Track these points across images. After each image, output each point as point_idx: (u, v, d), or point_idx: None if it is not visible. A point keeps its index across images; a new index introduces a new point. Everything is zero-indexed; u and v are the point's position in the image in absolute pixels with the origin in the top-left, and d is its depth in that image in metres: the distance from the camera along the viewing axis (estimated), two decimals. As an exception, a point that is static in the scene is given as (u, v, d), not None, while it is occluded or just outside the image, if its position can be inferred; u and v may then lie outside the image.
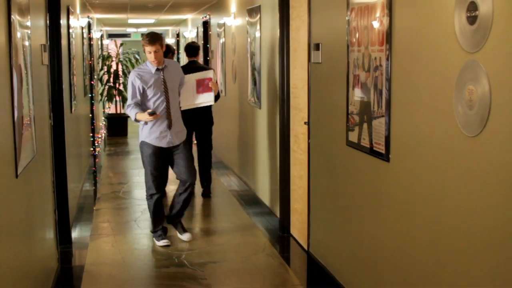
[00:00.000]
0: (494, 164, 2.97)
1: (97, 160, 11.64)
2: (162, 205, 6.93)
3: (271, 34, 7.35)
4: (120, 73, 16.61)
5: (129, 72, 16.49)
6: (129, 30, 26.19)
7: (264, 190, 8.09)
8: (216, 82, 7.04)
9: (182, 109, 6.87)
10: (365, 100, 4.51)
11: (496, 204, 2.97)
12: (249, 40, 8.68)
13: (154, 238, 6.88)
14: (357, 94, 4.67)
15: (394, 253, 4.15)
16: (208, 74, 7.19)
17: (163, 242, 6.76)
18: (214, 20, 12.46)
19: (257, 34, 8.10)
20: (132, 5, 13.65)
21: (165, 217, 6.98)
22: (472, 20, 3.13)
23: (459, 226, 3.31)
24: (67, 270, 6.03)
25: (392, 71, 4.08)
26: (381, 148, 4.26)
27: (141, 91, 6.54)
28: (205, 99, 7.12)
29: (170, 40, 25.63)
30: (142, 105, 6.55)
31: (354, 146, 4.75)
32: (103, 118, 17.01)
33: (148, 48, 6.48)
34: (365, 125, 4.53)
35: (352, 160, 4.85)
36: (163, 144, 6.58)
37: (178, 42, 21.61)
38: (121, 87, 16.47)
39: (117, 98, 16.37)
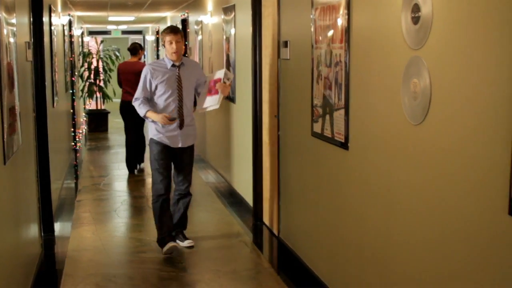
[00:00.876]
0: (435, 148, 3.34)
1: (78, 154, 11.94)
2: (169, 209, 6.46)
3: (245, 32, 7.70)
4: (101, 69, 16.88)
5: (109, 69, 16.85)
6: (110, 27, 26.44)
7: (239, 181, 8.45)
8: (226, 82, 6.11)
9: (194, 112, 6.49)
10: (327, 93, 4.87)
11: (437, 183, 3.34)
12: (224, 37, 9.03)
13: (159, 246, 6.43)
14: (320, 88, 5.03)
15: (354, 236, 4.51)
16: (217, 74, 6.28)
17: (168, 246, 6.30)
18: (192, 18, 12.80)
19: (232, 32, 8.45)
20: (112, 3, 13.95)
21: (172, 224, 6.51)
22: (416, 20, 3.50)
23: (408, 206, 3.68)
24: (50, 256, 6.37)
25: (350, 66, 4.44)
26: (341, 138, 4.63)
27: (152, 86, 6.22)
28: (210, 102, 6.20)
29: (150, 37, 25.91)
30: (151, 101, 6.28)
31: (318, 136, 5.12)
32: (84, 114, 17.29)
33: (169, 38, 6.18)
34: (327, 117, 4.89)
35: (317, 150, 5.21)
36: (172, 143, 6.27)
37: (157, 39, 21.90)
38: (102, 84, 16.76)
39: (98, 95, 16.65)
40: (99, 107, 16.94)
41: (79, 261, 6.18)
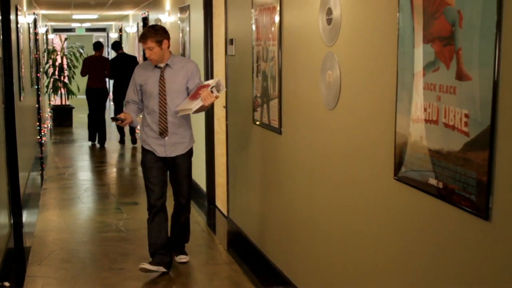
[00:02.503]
0: (344, 128, 4.02)
1: (43, 148, 12.48)
2: (160, 223, 5.83)
3: (198, 30, 8.33)
4: (65, 66, 17.38)
5: (73, 66, 17.39)
6: (74, 25, 26.85)
7: (194, 168, 9.07)
8: (213, 92, 5.41)
9: (178, 114, 5.61)
10: (265, 85, 5.53)
11: (347, 156, 4.02)
12: (181, 35, 9.66)
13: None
14: (259, 81, 5.69)
15: (289, 210, 5.18)
16: (209, 81, 5.73)
17: (149, 266, 5.70)
18: (152, 16, 13.41)
19: (187, 30, 9.09)
20: (75, 2, 14.51)
21: (162, 241, 5.85)
22: (329, 21, 4.17)
23: (327, 177, 4.36)
24: (18, 235, 6.98)
25: (282, 61, 5.11)
26: (276, 124, 5.29)
27: (140, 88, 5.73)
28: (185, 105, 5.52)
29: (113, 35, 26.39)
30: (140, 104, 5.82)
31: (258, 123, 5.77)
32: (49, 109, 17.79)
33: (142, 45, 5.68)
34: (265, 106, 5.55)
35: (257, 136, 5.87)
36: (158, 152, 5.70)
37: (121, 37, 22.44)
38: (66, 80, 17.26)
39: (62, 91, 17.14)
40: (63, 103, 17.43)
41: (45, 240, 6.78)
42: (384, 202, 3.54)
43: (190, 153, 5.88)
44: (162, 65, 5.64)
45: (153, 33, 5.55)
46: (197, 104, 5.35)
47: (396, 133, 3.34)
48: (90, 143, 13.63)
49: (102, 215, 7.82)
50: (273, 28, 5.27)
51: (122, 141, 13.50)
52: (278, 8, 5.12)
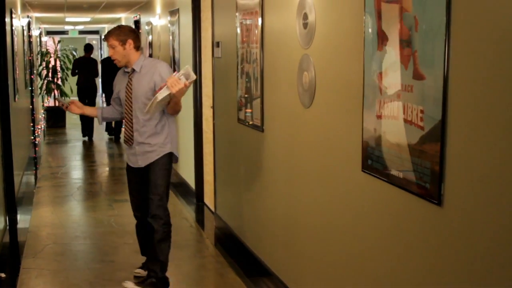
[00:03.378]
0: (319, 126, 4.30)
1: (37, 148, 12.74)
2: (142, 232, 5.70)
3: (187, 33, 8.61)
4: (58, 68, 17.64)
5: (67, 68, 17.64)
6: (67, 27, 27.10)
7: (183, 167, 9.38)
8: (181, 80, 4.93)
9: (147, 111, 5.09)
10: (248, 86, 5.82)
11: (320, 151, 4.31)
12: (171, 38, 9.95)
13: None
14: (243, 81, 5.97)
15: (271, 205, 5.46)
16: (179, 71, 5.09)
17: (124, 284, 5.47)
18: (144, 20, 13.69)
19: (177, 33, 9.38)
20: (68, 5, 14.77)
21: (143, 249, 5.77)
22: (305, 25, 4.46)
23: (304, 171, 4.64)
24: (13, 230, 7.25)
25: (264, 63, 5.40)
26: (258, 122, 5.58)
27: (117, 94, 5.49)
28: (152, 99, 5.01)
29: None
30: (119, 107, 5.56)
31: (242, 122, 6.06)
32: (42, 110, 18.04)
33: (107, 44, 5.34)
34: (249, 105, 5.84)
35: (241, 134, 6.15)
36: (131, 162, 5.48)
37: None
38: (59, 82, 17.53)
39: (56, 92, 17.39)
40: (57, 104, 17.68)
41: (39, 235, 7.06)
42: (353, 192, 3.83)
43: (164, 160, 5.34)
44: (129, 69, 5.31)
45: (116, 30, 5.28)
46: (163, 92, 4.91)
47: (363, 128, 3.63)
48: (83, 139, 14.85)
49: (94, 212, 8.10)
50: (256, 31, 5.55)
51: (111, 136, 14.94)
52: (259, 13, 5.41)
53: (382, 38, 3.39)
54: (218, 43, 6.91)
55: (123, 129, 5.50)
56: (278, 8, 5.04)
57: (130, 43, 5.24)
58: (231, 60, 6.39)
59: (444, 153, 2.88)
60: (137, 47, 5.32)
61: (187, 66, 5.07)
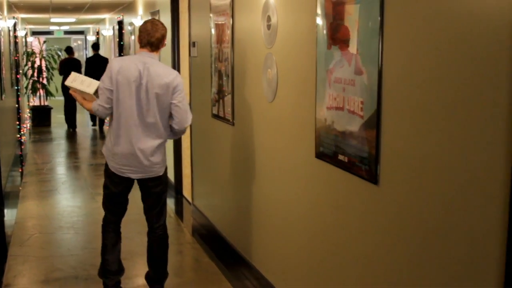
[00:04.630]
0: (281, 118, 4.72)
1: (23, 146, 13.11)
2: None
3: (167, 34, 9.00)
4: (44, 68, 18.00)
5: (52, 68, 17.99)
6: (52, 28, 27.41)
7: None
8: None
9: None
10: (221, 83, 6.23)
11: (281, 139, 4.73)
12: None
13: None
14: (216, 79, 6.39)
15: (241, 194, 5.88)
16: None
17: None
18: (127, 20, 14.09)
19: (157, 34, 9.77)
20: (53, 7, 15.14)
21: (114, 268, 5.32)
22: (269, 26, 4.87)
23: (269, 159, 5.06)
24: (1, 222, 7.60)
25: (234, 61, 5.81)
26: (229, 116, 5.99)
27: None
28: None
29: (91, 38, 26.99)
30: None
31: (216, 117, 6.47)
32: (28, 110, 18.39)
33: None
34: (221, 101, 6.25)
35: (214, 128, 6.57)
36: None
37: (98, 40, 23.07)
38: (45, 81, 17.89)
39: (41, 92, 17.75)
40: (42, 104, 18.03)
41: (26, 226, 7.45)
42: (308, 177, 4.26)
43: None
44: None
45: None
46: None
47: (316, 119, 4.05)
48: (69, 130, 16.55)
49: (78, 204, 8.50)
50: (227, 32, 5.96)
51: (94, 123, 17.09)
52: (230, 14, 5.82)
53: (330, 38, 3.81)
54: (194, 43, 7.32)
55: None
56: (246, 10, 5.45)
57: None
58: (206, 59, 6.80)
59: (380, 138, 3.31)
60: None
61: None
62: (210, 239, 6.74)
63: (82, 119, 17.48)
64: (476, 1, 2.56)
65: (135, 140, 5.00)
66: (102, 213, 7.84)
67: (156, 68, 5.02)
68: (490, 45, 2.47)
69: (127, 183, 5.15)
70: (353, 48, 3.53)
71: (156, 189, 5.21)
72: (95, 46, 16.93)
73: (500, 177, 2.44)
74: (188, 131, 8.12)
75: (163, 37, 5.15)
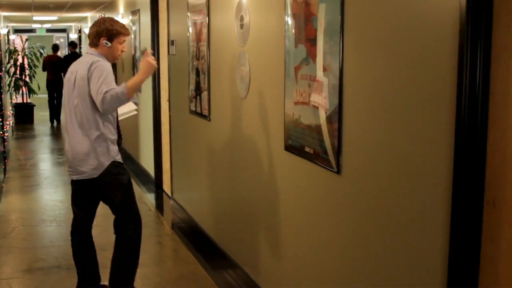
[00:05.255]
0: (253, 112, 4.97)
1: (6, 143, 13.27)
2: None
3: (147, 32, 9.23)
4: (26, 66, 18.16)
5: (34, 65, 18.14)
6: (35, 26, 27.50)
7: (144, 158, 10.02)
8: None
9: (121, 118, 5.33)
10: (198, 80, 6.47)
11: (252, 132, 4.97)
12: (132, 36, 10.56)
13: None
14: (194, 76, 6.62)
15: (216, 186, 6.12)
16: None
17: None
18: (108, 19, 14.27)
19: (138, 32, 10.00)
20: (35, 5, 15.30)
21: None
22: (242, 26, 5.12)
23: (242, 150, 5.30)
24: (-15, 215, 7.85)
25: (210, 59, 6.05)
26: (206, 112, 6.23)
27: None
28: (125, 108, 5.28)
29: (73, 35, 27.12)
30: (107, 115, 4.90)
31: (193, 113, 6.71)
32: (11, 107, 18.53)
33: (126, 38, 5.08)
34: (198, 97, 6.49)
35: (192, 124, 6.80)
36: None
37: (80, 37, 23.22)
38: (27, 79, 18.05)
39: (24, 89, 17.91)
40: (25, 101, 18.19)
41: (9, 219, 7.66)
42: (278, 169, 4.51)
43: None
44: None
45: None
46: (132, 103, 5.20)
47: (285, 114, 4.30)
48: (51, 124, 17.55)
49: (60, 198, 8.70)
50: (204, 31, 6.20)
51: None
52: (206, 13, 6.06)
53: (297, 37, 4.06)
54: (173, 42, 7.55)
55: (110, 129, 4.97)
56: (221, 10, 5.69)
57: None
58: (184, 57, 7.03)
59: (341, 130, 3.56)
60: None
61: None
62: (189, 231, 6.97)
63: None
64: (422, 5, 2.81)
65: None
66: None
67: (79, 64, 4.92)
68: (434, 44, 2.73)
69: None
70: (317, 46, 3.78)
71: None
72: (73, 44, 18.16)
73: (444, 163, 2.71)
74: (167, 127, 8.35)
75: (97, 33, 4.93)
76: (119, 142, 5.09)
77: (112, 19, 5.02)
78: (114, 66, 9.76)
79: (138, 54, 10.06)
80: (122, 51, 5.02)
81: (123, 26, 5.01)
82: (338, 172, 3.62)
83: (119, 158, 4.97)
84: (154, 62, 5.00)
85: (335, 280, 3.74)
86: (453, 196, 2.66)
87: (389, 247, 3.14)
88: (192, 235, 6.79)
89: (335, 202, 3.69)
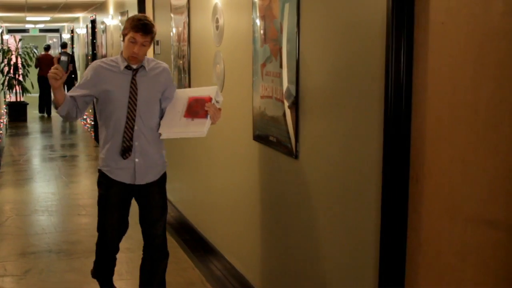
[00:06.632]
0: (228, 106, 5.41)
1: (0, 140, 13.72)
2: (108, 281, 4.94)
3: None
4: (20, 65, 18.58)
5: (28, 65, 18.56)
6: (28, 26, 27.86)
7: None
8: (218, 108, 4.42)
9: (161, 137, 4.49)
10: (180, 78, 6.92)
11: (228, 124, 5.42)
12: (121, 37, 10.99)
13: None
14: (176, 74, 7.07)
15: (198, 180, 6.57)
16: (207, 91, 4.50)
17: None
18: (99, 19, 14.72)
19: (126, 32, 10.44)
20: (28, 6, 15.72)
21: None
22: (217, 27, 5.57)
23: (217, 143, 5.76)
24: (-20, 206, 8.30)
25: (191, 58, 6.50)
26: (187, 107, 6.67)
27: (96, 90, 4.40)
28: (194, 128, 4.36)
29: (66, 36, 27.52)
30: (100, 116, 4.48)
31: (176, 108, 7.15)
32: (4, 105, 18.94)
33: (134, 36, 4.30)
34: (180, 94, 6.93)
35: (176, 118, 7.24)
36: (122, 177, 4.45)
37: (72, 38, 23.65)
38: (21, 78, 18.47)
39: (17, 88, 18.33)
40: (18, 99, 18.62)
41: (3, 209, 8.10)
42: (247, 157, 4.96)
43: (165, 176, 4.70)
44: (135, 66, 4.43)
45: (153, 26, 4.43)
46: (207, 125, 4.35)
47: (253, 107, 4.75)
48: (40, 115, 19.43)
49: (52, 191, 9.14)
50: (185, 31, 6.65)
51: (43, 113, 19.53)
52: (187, 15, 6.51)
53: (263, 37, 4.52)
54: (158, 42, 8.00)
55: (107, 141, 4.48)
56: (200, 12, 6.14)
57: (151, 43, 4.50)
58: (168, 56, 7.48)
59: (298, 121, 4.02)
60: None
61: (216, 87, 4.50)
62: (173, 222, 7.43)
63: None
64: (358, 9, 3.28)
65: None
66: (74, 198, 8.59)
67: None
68: (368, 44, 3.20)
69: None
70: (278, 45, 4.23)
71: None
72: (63, 45, 20.38)
73: (376, 146, 3.18)
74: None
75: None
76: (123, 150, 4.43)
77: (136, 16, 4.46)
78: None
79: (126, 53, 10.49)
80: (134, 52, 4.31)
81: (134, 22, 4.30)
82: (296, 157, 4.07)
83: (104, 166, 4.48)
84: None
85: (297, 254, 4.20)
86: (383, 173, 3.12)
87: (336, 215, 3.61)
88: (178, 225, 7.22)
89: (294, 184, 4.15)
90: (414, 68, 3.00)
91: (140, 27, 4.27)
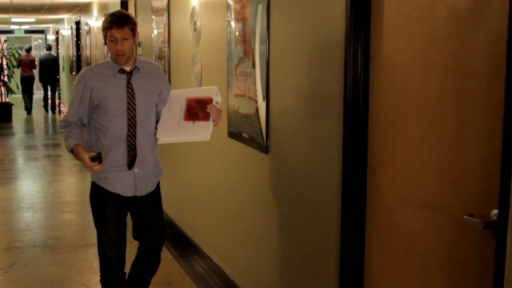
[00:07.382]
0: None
1: (-16, 140, 13.94)
2: None
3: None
4: (5, 66, 18.72)
5: (13, 66, 18.71)
6: (13, 27, 27.98)
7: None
8: (219, 108, 4.14)
9: (158, 142, 4.22)
10: (160, 77, 7.14)
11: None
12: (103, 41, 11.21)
13: None
14: (157, 74, 7.30)
15: (179, 176, 6.80)
16: (206, 91, 4.23)
17: None
18: (83, 20, 14.94)
19: (109, 34, 10.65)
20: (13, 8, 15.91)
21: None
22: (195, 29, 5.81)
23: (196, 148, 6.00)
24: (-34, 203, 8.50)
25: (170, 59, 6.73)
26: (167, 106, 6.91)
27: (93, 102, 4.05)
28: (196, 132, 4.10)
29: (51, 37, 27.66)
30: (95, 125, 4.11)
31: (157, 107, 7.38)
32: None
33: (114, 33, 3.98)
34: (161, 93, 7.16)
35: (157, 117, 7.47)
36: (123, 191, 4.14)
37: (57, 39, 23.81)
38: (6, 79, 18.61)
39: (2, 89, 18.46)
40: (3, 100, 18.76)
41: (-11, 207, 8.33)
42: (222, 153, 5.21)
43: (159, 188, 4.49)
44: (128, 68, 4.12)
45: (129, 17, 4.10)
46: (211, 127, 4.09)
47: (228, 105, 4.99)
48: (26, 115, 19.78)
49: (37, 189, 9.35)
50: (165, 33, 6.88)
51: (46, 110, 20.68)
52: (167, 17, 6.74)
53: (236, 39, 4.76)
54: (139, 43, 8.23)
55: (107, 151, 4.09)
56: (179, 14, 6.38)
57: (138, 35, 4.17)
58: (149, 57, 7.70)
59: (269, 117, 4.26)
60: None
61: (215, 87, 4.22)
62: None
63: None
64: (320, 11, 3.53)
65: None
66: (59, 195, 8.81)
67: None
68: (329, 46, 3.45)
69: None
70: (251, 47, 4.47)
71: None
72: (49, 47, 21.18)
73: (336, 140, 3.43)
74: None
75: None
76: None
77: (108, 14, 4.16)
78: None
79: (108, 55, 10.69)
80: (118, 49, 3.99)
81: (106, 20, 4.03)
82: (267, 152, 4.31)
83: (99, 179, 4.14)
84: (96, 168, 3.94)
85: (269, 243, 4.45)
86: (344, 165, 3.37)
87: (301, 205, 3.86)
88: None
89: (265, 177, 4.39)
90: (371, 68, 3.25)
91: (113, 22, 3.93)
